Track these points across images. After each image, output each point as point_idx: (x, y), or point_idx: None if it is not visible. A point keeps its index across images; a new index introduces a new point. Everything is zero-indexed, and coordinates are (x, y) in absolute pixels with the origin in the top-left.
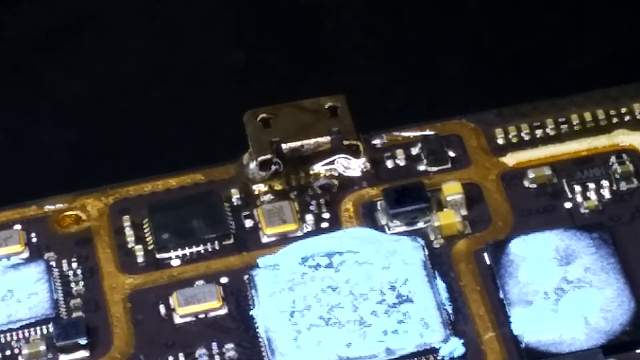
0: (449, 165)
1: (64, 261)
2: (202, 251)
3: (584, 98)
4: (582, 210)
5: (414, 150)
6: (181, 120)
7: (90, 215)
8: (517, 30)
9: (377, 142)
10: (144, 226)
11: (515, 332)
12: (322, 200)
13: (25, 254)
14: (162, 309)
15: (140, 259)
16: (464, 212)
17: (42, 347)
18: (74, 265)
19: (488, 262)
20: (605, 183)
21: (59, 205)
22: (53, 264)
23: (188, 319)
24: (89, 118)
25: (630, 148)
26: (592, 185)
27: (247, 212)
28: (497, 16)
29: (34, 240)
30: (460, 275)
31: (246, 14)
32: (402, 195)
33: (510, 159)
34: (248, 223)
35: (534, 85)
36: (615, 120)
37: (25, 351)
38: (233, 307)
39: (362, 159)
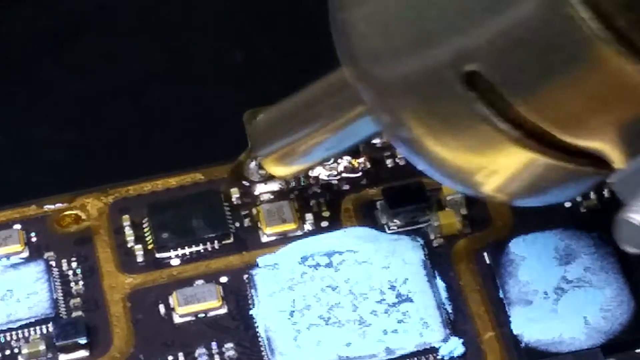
0: None
1: (64, 261)
2: (202, 250)
3: None
4: (582, 210)
5: None
6: (181, 120)
7: (90, 214)
8: None
9: (377, 141)
10: (144, 226)
11: (515, 332)
12: (322, 200)
13: (25, 254)
14: (161, 309)
15: (140, 259)
16: (463, 211)
17: (42, 347)
18: (74, 264)
19: (488, 262)
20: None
21: (59, 205)
22: (53, 263)
23: (188, 319)
24: (89, 118)
25: None
26: None
27: (247, 212)
28: None
29: (34, 239)
30: (460, 274)
31: (246, 14)
32: (402, 195)
33: None
34: (248, 222)
35: None
36: None
37: (25, 351)
38: (233, 307)
39: (362, 159)
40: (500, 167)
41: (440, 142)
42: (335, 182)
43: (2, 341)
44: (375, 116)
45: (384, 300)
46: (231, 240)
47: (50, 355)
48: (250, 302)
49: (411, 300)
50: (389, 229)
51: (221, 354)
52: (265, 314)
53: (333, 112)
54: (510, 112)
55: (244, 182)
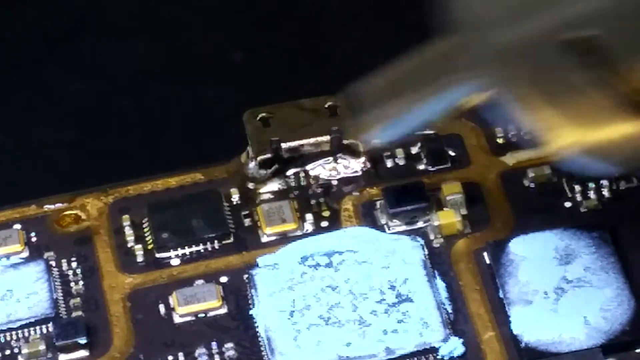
0: (449, 165)
1: (64, 261)
2: (202, 250)
3: None
4: (582, 210)
5: (414, 150)
6: (181, 119)
7: (89, 214)
8: None
9: (377, 141)
10: (144, 225)
11: (515, 332)
12: (322, 200)
13: (25, 254)
14: (161, 309)
15: (139, 259)
16: (463, 211)
17: (42, 347)
18: (74, 264)
19: (488, 262)
20: (605, 182)
21: (59, 205)
22: (53, 263)
23: (188, 319)
24: (89, 118)
25: None
26: (591, 185)
27: (247, 212)
28: None
29: (34, 239)
30: (460, 274)
31: (246, 14)
32: (401, 195)
33: (510, 159)
34: (248, 222)
35: None
36: None
37: (25, 351)
38: (233, 307)
39: (362, 159)
40: (590, 122)
41: (546, 101)
42: (335, 182)
43: (2, 341)
44: (485, 79)
45: (384, 300)
46: (231, 240)
47: (50, 355)
48: (250, 302)
49: (411, 300)
50: (389, 229)
51: (221, 354)
52: (265, 314)
53: (437, 78)
54: (617, 78)
55: (243, 182)
